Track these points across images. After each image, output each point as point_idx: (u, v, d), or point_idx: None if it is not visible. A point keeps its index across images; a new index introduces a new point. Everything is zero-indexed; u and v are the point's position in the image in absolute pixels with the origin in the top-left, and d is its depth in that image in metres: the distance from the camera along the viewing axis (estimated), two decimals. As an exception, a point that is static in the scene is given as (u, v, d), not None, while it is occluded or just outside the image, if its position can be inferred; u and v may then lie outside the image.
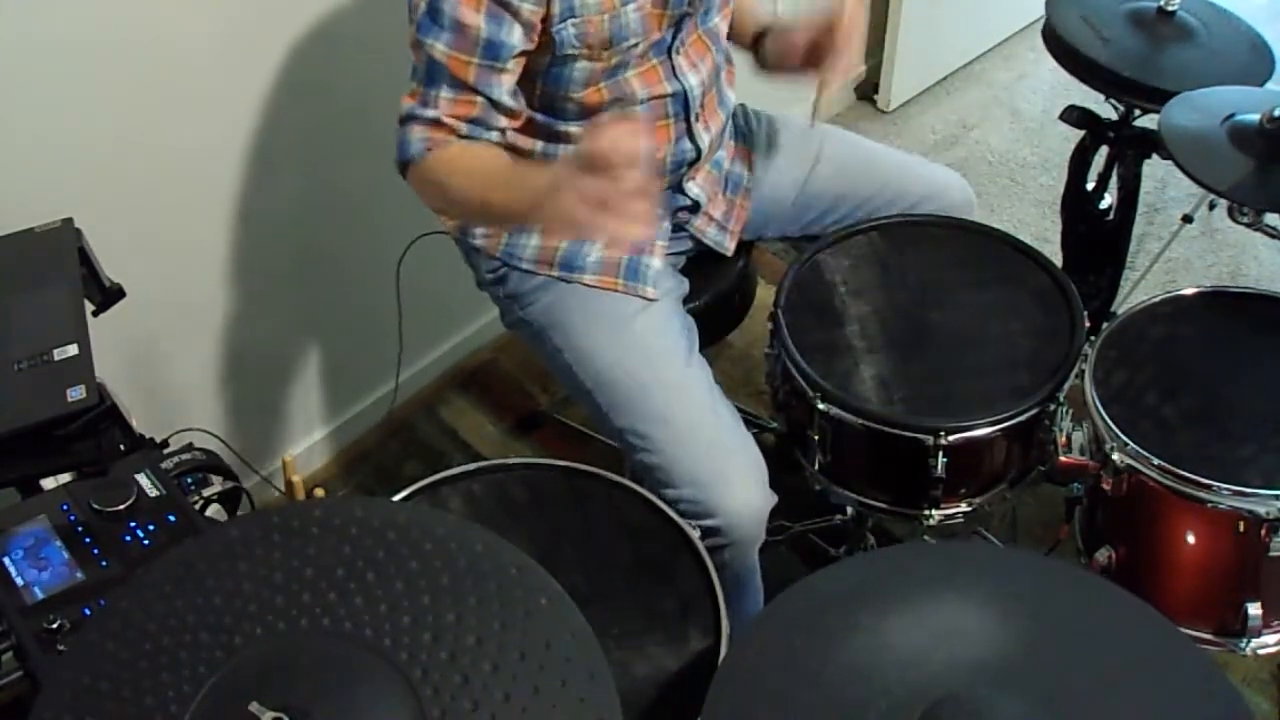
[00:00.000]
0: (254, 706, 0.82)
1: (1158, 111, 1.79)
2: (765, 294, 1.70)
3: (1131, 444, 1.54)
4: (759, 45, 1.73)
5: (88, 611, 1.12)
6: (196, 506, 1.33)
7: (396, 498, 1.47)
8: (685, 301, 1.78)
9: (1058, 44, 2.00)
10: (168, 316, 1.97)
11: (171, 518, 1.22)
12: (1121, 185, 2.16)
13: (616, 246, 1.62)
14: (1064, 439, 1.62)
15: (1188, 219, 2.58)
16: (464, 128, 1.50)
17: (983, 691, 0.94)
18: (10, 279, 1.43)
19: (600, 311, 1.68)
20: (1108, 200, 2.18)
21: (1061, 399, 1.61)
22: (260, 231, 2.06)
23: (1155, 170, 2.65)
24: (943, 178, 1.89)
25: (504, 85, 1.49)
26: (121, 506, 1.21)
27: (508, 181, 1.47)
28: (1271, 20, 2.30)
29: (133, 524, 1.21)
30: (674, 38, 1.59)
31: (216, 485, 1.37)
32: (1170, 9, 1.99)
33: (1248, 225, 1.76)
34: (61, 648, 1.09)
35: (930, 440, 1.55)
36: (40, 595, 1.14)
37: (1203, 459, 1.53)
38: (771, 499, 1.61)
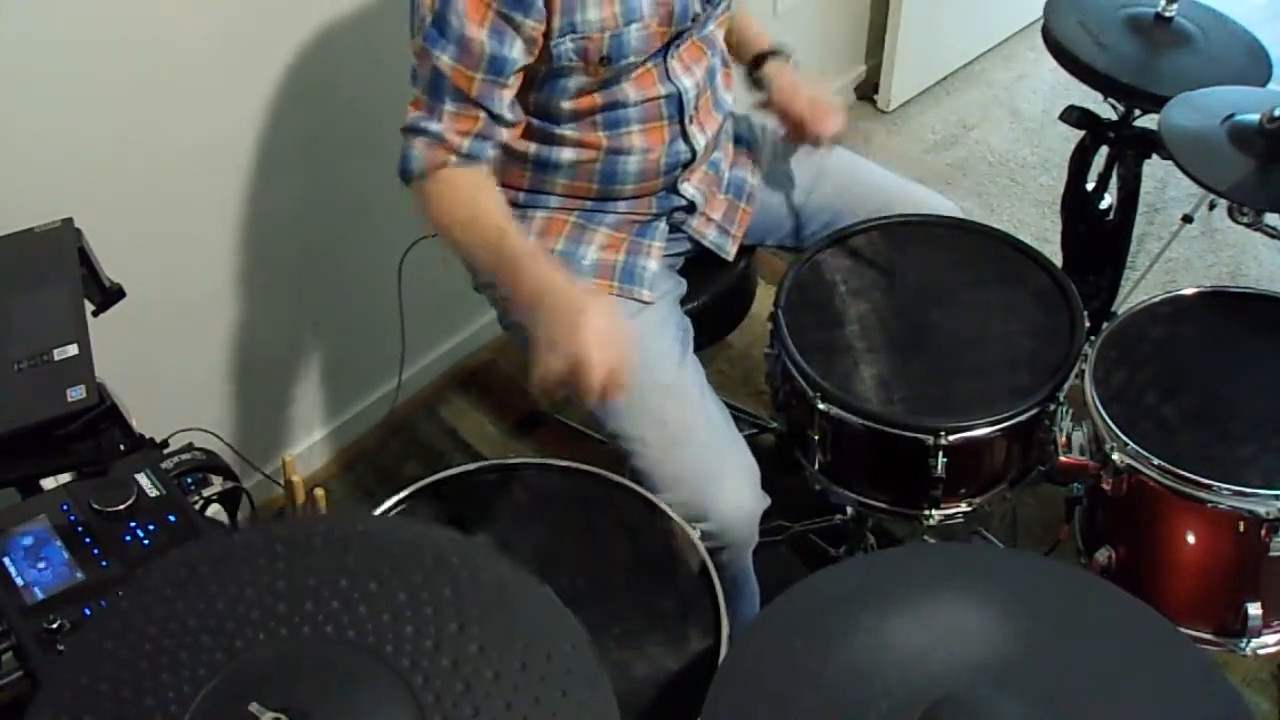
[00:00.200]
0: (254, 707, 0.82)
1: (1157, 112, 1.79)
2: (765, 294, 1.70)
3: (1131, 444, 1.54)
4: (755, 75, 1.80)
5: (88, 611, 1.12)
6: (196, 506, 1.33)
7: (396, 497, 1.47)
8: (684, 302, 1.78)
9: (1056, 49, 2.00)
10: (168, 316, 1.97)
11: (171, 518, 1.22)
12: (1121, 185, 2.16)
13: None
14: (1064, 439, 1.62)
15: (1188, 219, 2.58)
16: (465, 145, 1.51)
17: (983, 691, 0.94)
18: (10, 279, 1.43)
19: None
20: (1108, 200, 2.18)
21: (1061, 399, 1.61)
22: (261, 231, 2.06)
23: (1155, 170, 2.65)
24: (935, 201, 1.89)
25: (505, 99, 1.51)
26: (121, 506, 1.21)
27: (485, 254, 1.49)
28: (1270, 21, 2.30)
29: (133, 524, 1.21)
30: (669, 45, 1.60)
31: (216, 485, 1.37)
32: (1168, 14, 1.99)
33: (1248, 225, 1.76)
34: (61, 648, 1.09)
35: (930, 440, 1.55)
36: (40, 595, 1.14)
37: (1203, 459, 1.53)
38: (764, 501, 1.61)
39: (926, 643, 0.99)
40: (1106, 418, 1.57)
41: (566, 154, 1.63)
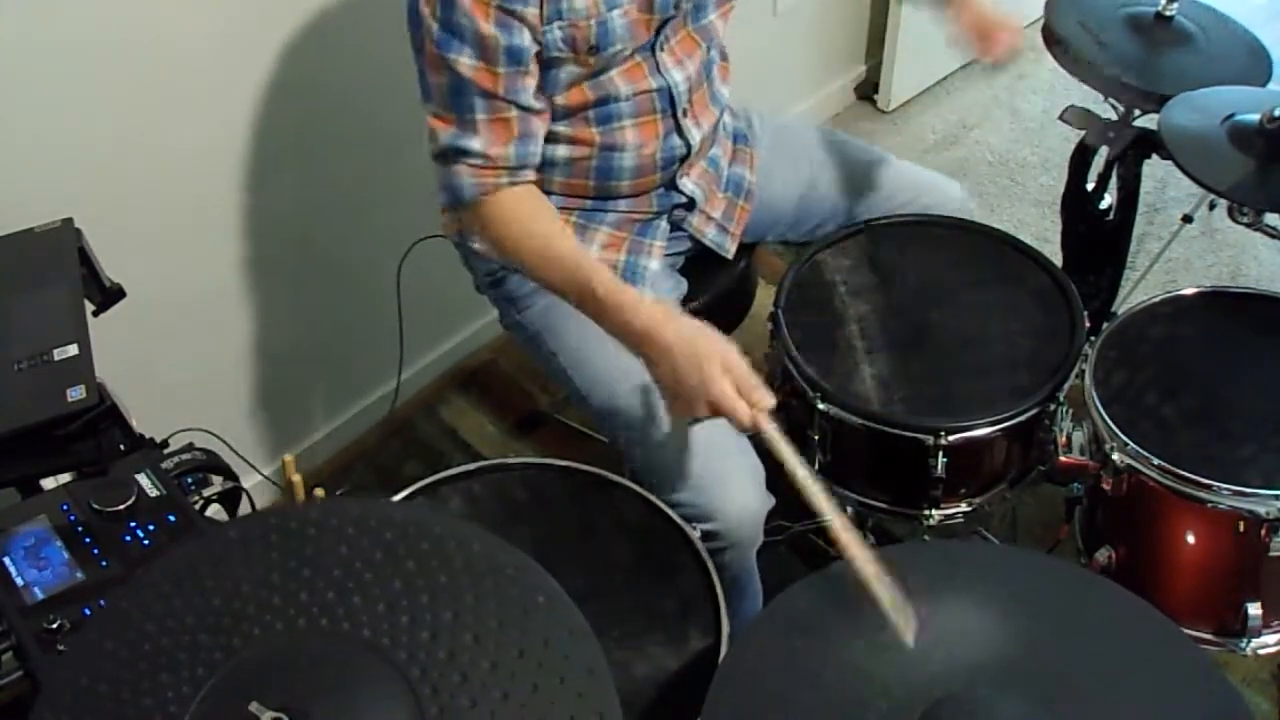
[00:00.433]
0: (254, 706, 0.82)
1: (1158, 111, 1.79)
2: (765, 294, 1.69)
3: (1131, 444, 1.54)
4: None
5: (88, 611, 1.12)
6: (196, 506, 1.33)
7: (396, 498, 1.47)
8: (685, 302, 1.78)
9: (1056, 48, 2.00)
10: (168, 316, 1.97)
11: (171, 518, 1.22)
12: (1121, 185, 2.15)
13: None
14: (1064, 439, 1.63)
15: (1188, 219, 2.58)
16: (512, 156, 1.50)
17: (983, 691, 0.94)
18: (10, 279, 1.43)
19: None
20: (1108, 200, 2.18)
21: (1061, 399, 1.61)
22: (261, 232, 2.06)
23: (1155, 170, 2.64)
24: (942, 185, 1.89)
25: (530, 88, 1.49)
26: (121, 506, 1.21)
27: (581, 290, 1.47)
28: (1270, 21, 2.30)
29: (133, 524, 1.21)
30: (657, 36, 1.59)
31: (216, 485, 1.37)
32: (1168, 14, 1.99)
33: (1248, 225, 1.76)
34: (61, 648, 1.09)
35: (930, 440, 1.55)
36: (40, 595, 1.14)
37: (1203, 459, 1.53)
38: (769, 501, 1.61)
39: (926, 642, 0.99)
40: (1106, 418, 1.57)
41: (561, 151, 1.62)
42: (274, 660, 0.87)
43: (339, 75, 2.02)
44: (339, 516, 0.96)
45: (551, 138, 1.61)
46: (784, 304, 1.69)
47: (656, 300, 1.44)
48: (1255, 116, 1.68)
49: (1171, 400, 1.61)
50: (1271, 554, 1.51)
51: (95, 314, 1.45)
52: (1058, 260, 1.84)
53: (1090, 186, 2.19)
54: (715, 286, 1.84)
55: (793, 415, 1.71)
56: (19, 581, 1.15)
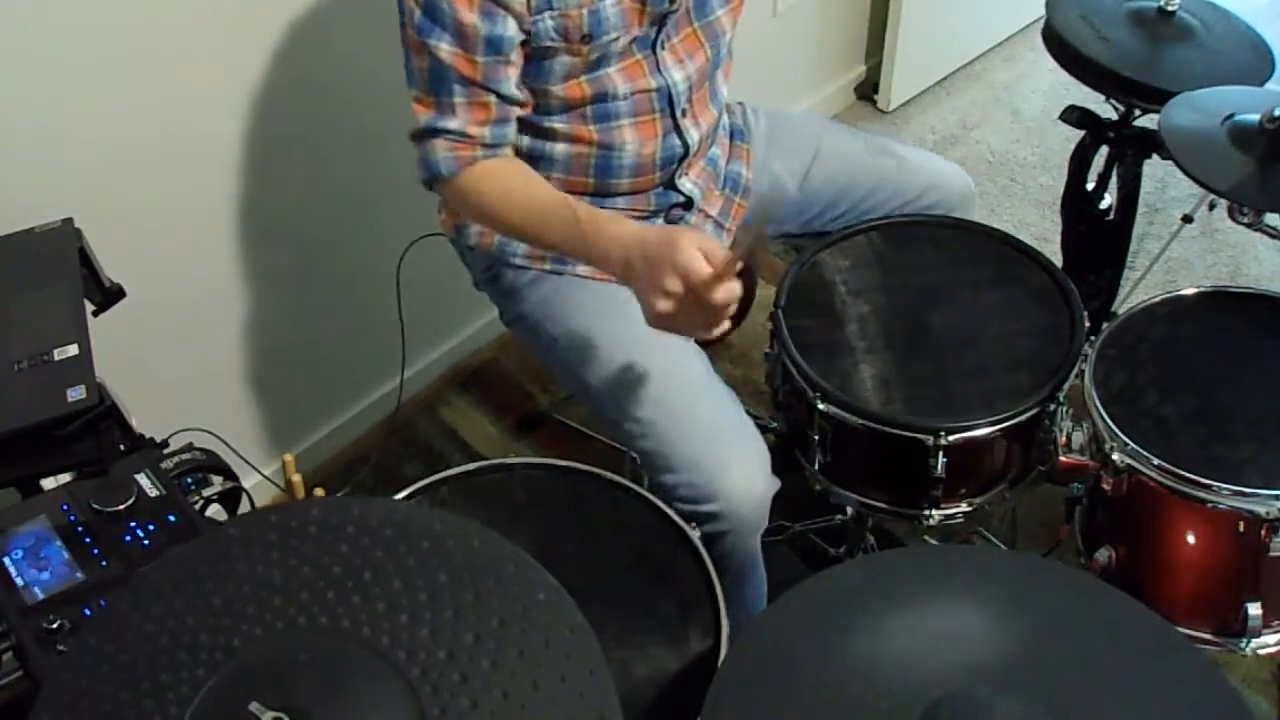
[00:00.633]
0: (254, 706, 0.82)
1: (1158, 111, 1.79)
2: (765, 294, 1.69)
3: (1131, 444, 1.54)
4: None
5: (88, 611, 1.12)
6: (196, 506, 1.33)
7: (396, 498, 1.47)
8: (684, 302, 1.77)
9: (1058, 44, 2.00)
10: (168, 316, 1.97)
11: (171, 518, 1.22)
12: (1121, 185, 2.16)
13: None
14: (1064, 439, 1.62)
15: (1188, 219, 2.58)
16: (488, 134, 1.51)
17: (982, 692, 0.94)
18: (10, 279, 1.43)
19: (594, 300, 1.68)
20: (1108, 200, 2.18)
21: (1061, 399, 1.61)
22: (261, 231, 2.06)
23: (1155, 170, 2.65)
24: (942, 169, 1.89)
25: (511, 78, 1.50)
26: (121, 506, 1.21)
27: (545, 225, 1.49)
28: (1273, 19, 2.30)
29: (133, 524, 1.21)
30: (658, 33, 1.58)
31: (216, 485, 1.37)
32: (1170, 9, 1.99)
33: (1248, 225, 1.76)
34: (61, 648, 1.09)
35: (930, 440, 1.55)
36: (40, 595, 1.14)
37: (1203, 459, 1.53)
38: (774, 484, 1.59)
39: (926, 643, 0.99)
40: (1106, 418, 1.57)
41: (559, 148, 1.62)
42: (274, 660, 0.87)
43: (339, 74, 2.02)
44: (339, 515, 0.96)
45: (549, 134, 1.61)
46: (784, 304, 1.69)
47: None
48: (1255, 116, 1.68)
49: (1171, 400, 1.61)
50: (1271, 554, 1.51)
51: (95, 314, 1.45)
52: (1058, 260, 1.85)
53: (1090, 186, 2.19)
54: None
55: (793, 415, 1.71)
56: (19, 581, 1.15)
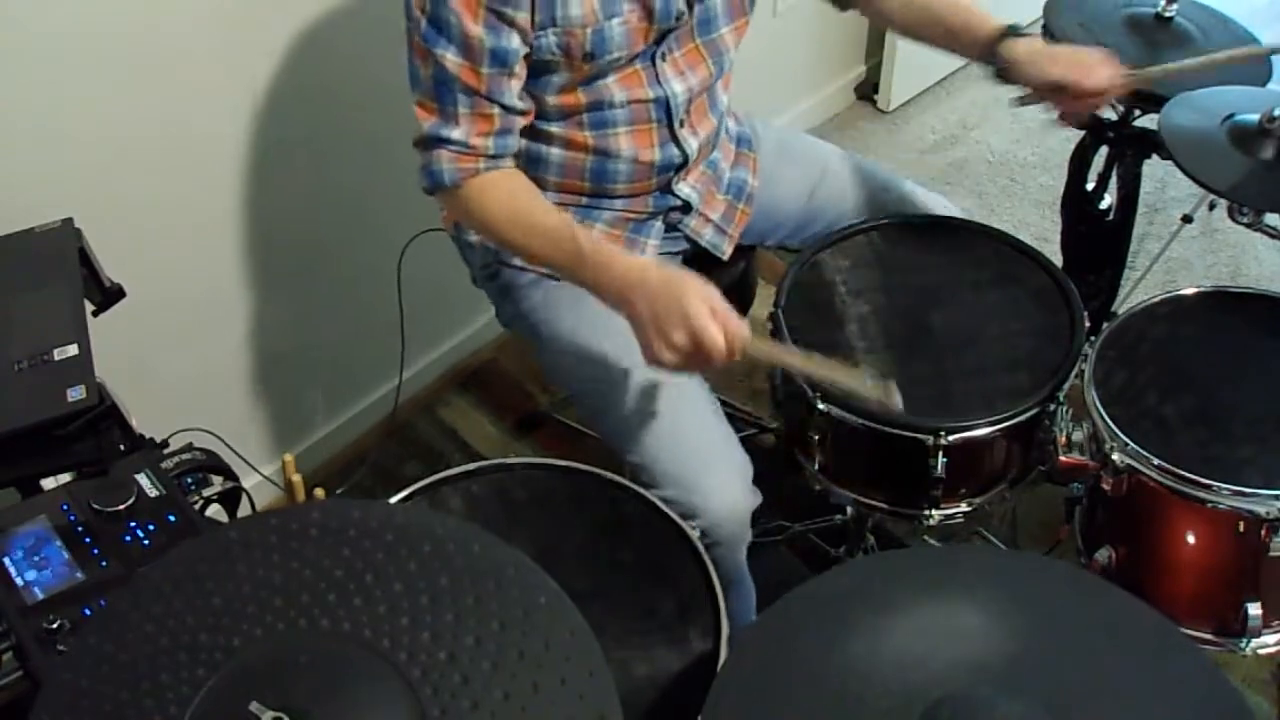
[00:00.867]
0: (254, 706, 0.82)
1: (1158, 112, 1.79)
2: (765, 294, 1.69)
3: (1131, 444, 1.54)
4: (995, 62, 1.69)
5: (88, 611, 1.12)
6: (196, 506, 1.33)
7: (396, 498, 1.47)
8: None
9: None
10: (168, 316, 1.97)
11: (171, 518, 1.22)
12: (1121, 185, 2.16)
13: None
14: (1064, 439, 1.62)
15: (1188, 219, 2.58)
16: (491, 145, 1.51)
17: (983, 691, 0.94)
18: (10, 279, 1.43)
19: (589, 309, 1.67)
20: (1108, 200, 2.18)
21: (1061, 399, 1.61)
22: (261, 231, 2.06)
23: (1155, 170, 2.65)
24: (939, 206, 1.89)
25: (514, 90, 1.50)
26: (121, 506, 1.21)
27: (546, 246, 1.50)
28: (1271, 22, 2.30)
29: (133, 524, 1.21)
30: (660, 45, 1.58)
31: (216, 485, 1.37)
32: (1167, 15, 1.99)
33: (1248, 225, 1.76)
34: (61, 648, 1.09)
35: (930, 440, 1.55)
36: (40, 595, 1.14)
37: (1203, 459, 1.53)
38: (755, 498, 1.61)
39: (926, 642, 0.99)
40: (1106, 418, 1.57)
41: (554, 152, 1.62)
42: (274, 661, 0.87)
43: (338, 72, 2.02)
44: (340, 518, 0.96)
45: (546, 138, 1.61)
46: (784, 304, 1.69)
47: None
48: (1255, 116, 1.68)
49: (1171, 400, 1.61)
50: (1271, 554, 1.51)
51: (95, 314, 1.45)
52: (1058, 260, 1.85)
53: (1090, 186, 2.19)
54: (715, 287, 1.83)
55: (793, 415, 1.71)
56: (19, 581, 1.15)
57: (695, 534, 1.43)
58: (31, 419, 1.26)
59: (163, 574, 0.94)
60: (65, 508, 1.22)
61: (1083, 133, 2.13)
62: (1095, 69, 1.60)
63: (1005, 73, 1.68)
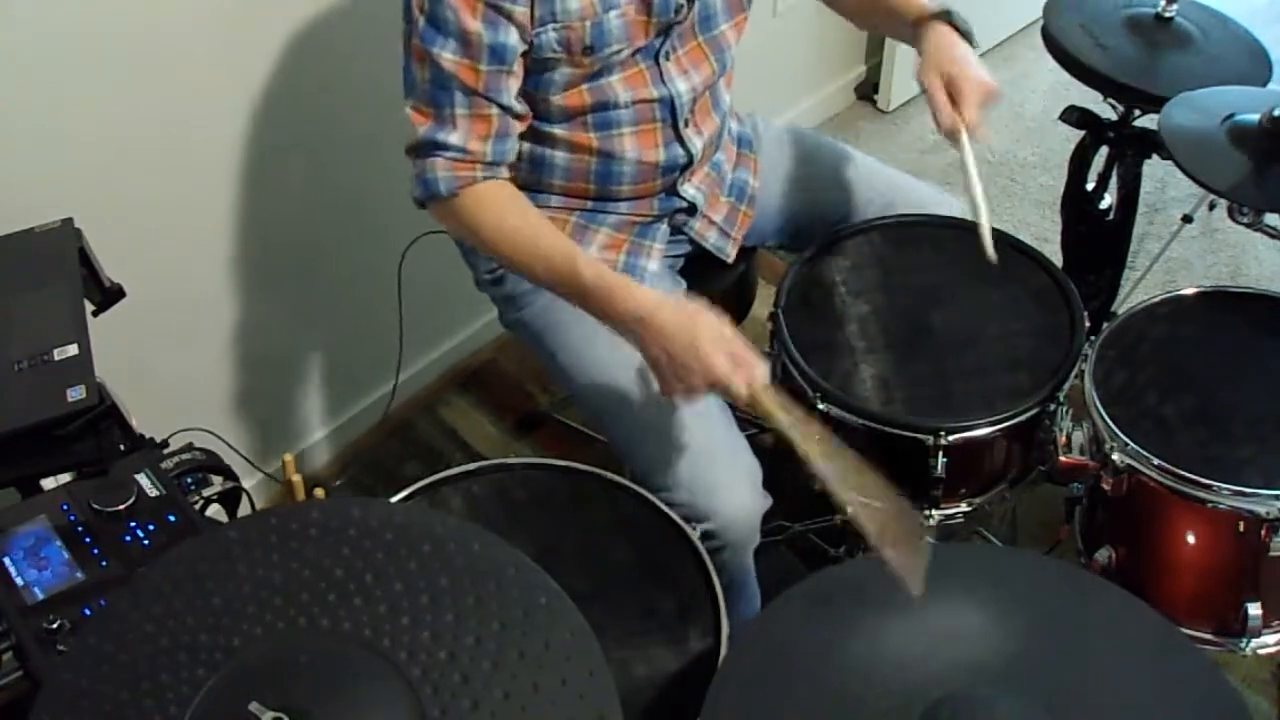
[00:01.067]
0: (254, 706, 0.82)
1: (1158, 111, 1.79)
2: (765, 294, 1.69)
3: (1131, 444, 1.54)
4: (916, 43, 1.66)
5: (88, 611, 1.12)
6: (196, 506, 1.33)
7: (396, 498, 1.47)
8: (684, 302, 1.77)
9: (1056, 50, 2.00)
10: (168, 316, 1.97)
11: (171, 518, 1.22)
12: (1121, 185, 2.16)
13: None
14: (1064, 439, 1.62)
15: (1188, 219, 2.58)
16: (489, 152, 1.49)
17: (982, 691, 0.94)
18: (10, 279, 1.43)
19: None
20: (1108, 200, 2.18)
21: (1061, 399, 1.61)
22: (260, 231, 2.06)
23: (1155, 170, 2.65)
24: (943, 201, 1.89)
25: (513, 89, 1.49)
26: (121, 506, 1.21)
27: (548, 267, 1.49)
28: (1272, 22, 2.30)
29: (133, 524, 1.21)
30: (663, 43, 1.58)
31: (216, 485, 1.37)
32: (1168, 15, 1.99)
33: (1248, 225, 1.76)
34: (61, 648, 1.09)
35: (930, 440, 1.55)
36: (40, 595, 1.14)
37: (1203, 459, 1.53)
38: (765, 501, 1.61)
39: (926, 642, 0.99)
40: (1106, 418, 1.57)
41: (559, 155, 1.62)
42: (274, 660, 0.87)
43: (339, 72, 2.02)
44: (340, 517, 0.96)
45: (550, 141, 1.61)
46: (784, 304, 1.69)
47: (646, 287, 1.46)
48: (1255, 116, 1.68)
49: (1171, 400, 1.61)
50: (1271, 554, 1.51)
51: (95, 314, 1.45)
52: (1058, 260, 1.85)
53: (1090, 186, 2.19)
54: (715, 287, 1.84)
55: (793, 415, 1.71)
56: (19, 581, 1.15)
57: (695, 534, 1.43)
58: (31, 419, 1.26)
59: (163, 574, 0.94)
60: (65, 508, 1.22)
61: (1083, 133, 2.13)
62: (967, 99, 1.59)
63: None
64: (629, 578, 1.40)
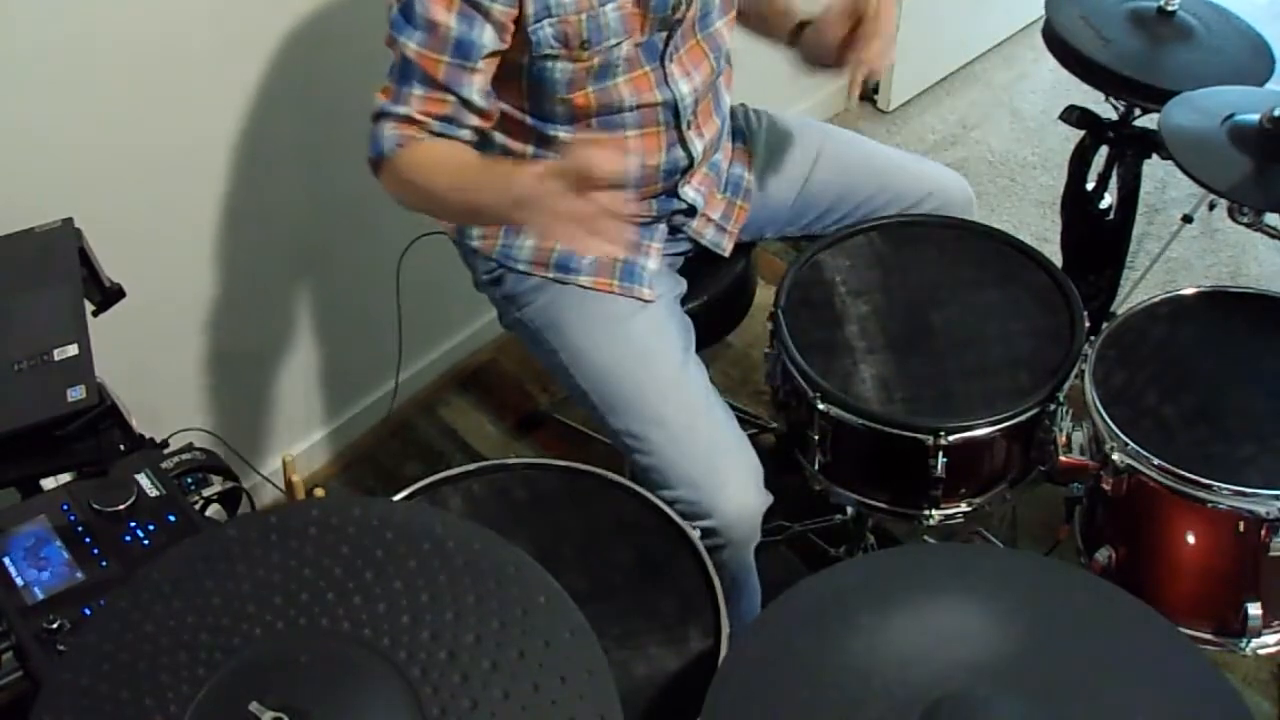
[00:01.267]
0: (254, 706, 0.82)
1: (1158, 111, 1.79)
2: (765, 294, 1.69)
3: (1131, 444, 1.54)
4: (796, 41, 1.70)
5: (88, 611, 1.12)
6: (196, 506, 1.33)
7: (396, 498, 1.47)
8: (684, 301, 1.78)
9: (1058, 44, 2.00)
10: (168, 316, 1.97)
11: (171, 518, 1.22)
12: (1121, 185, 2.16)
13: (599, 252, 1.55)
14: (1064, 439, 1.62)
15: (1188, 219, 2.58)
16: (435, 124, 1.51)
17: (982, 691, 0.94)
18: (10, 279, 1.43)
19: (596, 312, 1.68)
20: (1108, 200, 2.18)
21: (1061, 399, 1.61)
22: (260, 231, 2.06)
23: (1155, 170, 2.65)
24: (942, 176, 1.89)
25: (475, 85, 1.50)
26: (121, 506, 1.21)
27: (478, 181, 1.48)
28: (1273, 19, 2.30)
29: (133, 524, 1.21)
30: (667, 43, 1.58)
31: (216, 485, 1.37)
32: (1170, 9, 1.99)
33: (1248, 225, 1.76)
34: (61, 648, 1.09)
35: (930, 440, 1.55)
36: (40, 595, 1.14)
37: (1203, 459, 1.53)
38: (767, 499, 1.61)
39: (926, 642, 0.99)
40: (1106, 418, 1.57)
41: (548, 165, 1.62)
42: (274, 660, 0.87)
43: (338, 72, 2.02)
44: (340, 516, 0.96)
45: (553, 143, 1.61)
46: (784, 304, 1.69)
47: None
48: (1255, 116, 1.68)
49: (1171, 400, 1.61)
50: (1271, 554, 1.51)
51: (95, 314, 1.45)
52: (1058, 260, 1.85)
53: (1090, 186, 2.19)
54: (715, 286, 1.84)
55: (793, 415, 1.71)
56: (19, 581, 1.15)
57: (695, 534, 1.43)
58: (31, 419, 1.26)
59: (163, 574, 0.94)
60: (65, 508, 1.22)
61: (1083, 132, 2.13)
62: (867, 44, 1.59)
63: (794, 38, 1.70)
64: (629, 578, 1.40)
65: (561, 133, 1.60)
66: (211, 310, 2.08)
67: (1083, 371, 1.62)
